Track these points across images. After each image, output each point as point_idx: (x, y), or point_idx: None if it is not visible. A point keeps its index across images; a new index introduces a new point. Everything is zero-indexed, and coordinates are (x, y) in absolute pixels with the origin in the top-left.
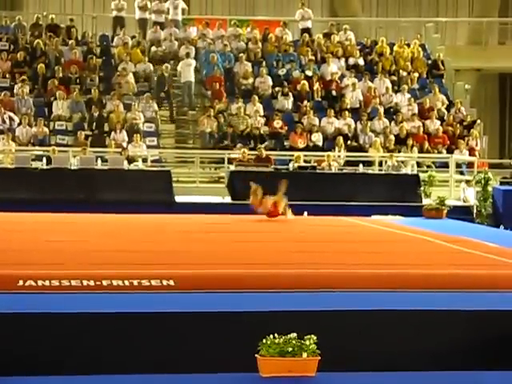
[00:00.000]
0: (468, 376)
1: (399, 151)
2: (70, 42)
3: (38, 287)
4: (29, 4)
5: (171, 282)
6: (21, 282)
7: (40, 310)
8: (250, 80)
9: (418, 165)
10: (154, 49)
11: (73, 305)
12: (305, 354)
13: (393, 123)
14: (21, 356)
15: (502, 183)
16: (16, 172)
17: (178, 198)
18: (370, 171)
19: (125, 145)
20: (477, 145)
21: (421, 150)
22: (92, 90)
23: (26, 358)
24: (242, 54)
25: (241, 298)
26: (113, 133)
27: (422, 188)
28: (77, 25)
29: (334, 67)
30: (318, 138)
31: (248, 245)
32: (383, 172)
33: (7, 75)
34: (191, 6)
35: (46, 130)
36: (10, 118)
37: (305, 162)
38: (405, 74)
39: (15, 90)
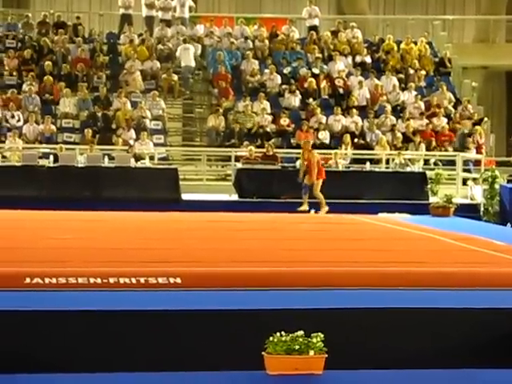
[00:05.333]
0: (471, 374)
1: (406, 149)
2: (77, 39)
3: (44, 285)
4: (36, 2)
5: (178, 280)
6: (28, 280)
7: (46, 308)
8: (257, 78)
9: (425, 162)
10: (160, 46)
11: (79, 302)
12: (312, 352)
13: (400, 121)
14: (27, 353)
15: (509, 181)
16: (23, 170)
17: (185, 196)
18: (376, 169)
19: (132, 142)
20: (481, 138)
21: (428, 148)
22: (99, 88)
23: (32, 356)
24: (248, 52)
25: (247, 295)
26: (120, 130)
27: (429, 186)
28: (84, 22)
29: (341, 65)
30: (324, 136)
31: (254, 242)
32: (390, 170)
33: (14, 73)
34: (198, 4)
35: (53, 127)
36: (17, 116)
37: None
38: (412, 71)
39: (22, 88)
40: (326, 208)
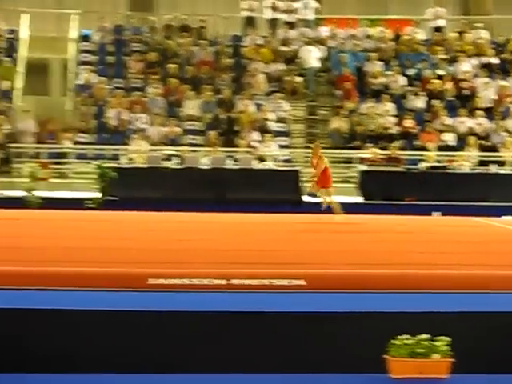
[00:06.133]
0: None
1: None
2: (202, 42)
3: (168, 285)
4: (161, 6)
5: (302, 282)
6: (151, 280)
7: (170, 309)
8: (381, 79)
9: None
10: (284, 49)
11: (203, 303)
12: (436, 356)
13: None
14: (152, 353)
15: None
16: (148, 171)
17: (306, 198)
18: (502, 171)
19: (255, 144)
20: None
21: None
22: (223, 90)
23: (157, 356)
24: (372, 54)
25: (371, 298)
26: (243, 132)
27: None
28: (208, 25)
29: (466, 66)
30: (449, 138)
31: (378, 245)
32: None
33: (140, 76)
34: (322, 6)
35: (177, 129)
36: (142, 118)
37: (436, 161)
38: None
39: (147, 91)
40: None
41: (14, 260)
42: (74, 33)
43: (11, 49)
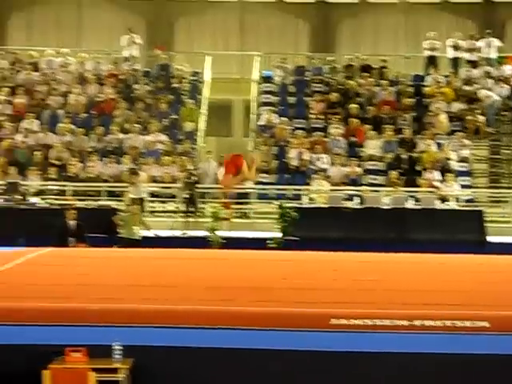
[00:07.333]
0: None
1: None
2: (383, 82)
3: (350, 326)
4: (341, 46)
5: (485, 324)
6: (333, 321)
7: (351, 349)
8: None
9: None
10: (466, 88)
11: (385, 344)
12: None
13: None
14: None
15: None
16: (329, 211)
17: (491, 238)
18: None
19: (437, 184)
20: None
21: None
22: (404, 130)
23: None
24: None
25: None
26: (425, 172)
27: None
28: (389, 65)
29: None
30: None
31: None
32: None
33: (321, 116)
34: (506, 44)
35: (358, 169)
36: (323, 158)
37: None
38: None
39: (329, 131)
40: None
41: (199, 299)
42: (255, 74)
43: (195, 91)
